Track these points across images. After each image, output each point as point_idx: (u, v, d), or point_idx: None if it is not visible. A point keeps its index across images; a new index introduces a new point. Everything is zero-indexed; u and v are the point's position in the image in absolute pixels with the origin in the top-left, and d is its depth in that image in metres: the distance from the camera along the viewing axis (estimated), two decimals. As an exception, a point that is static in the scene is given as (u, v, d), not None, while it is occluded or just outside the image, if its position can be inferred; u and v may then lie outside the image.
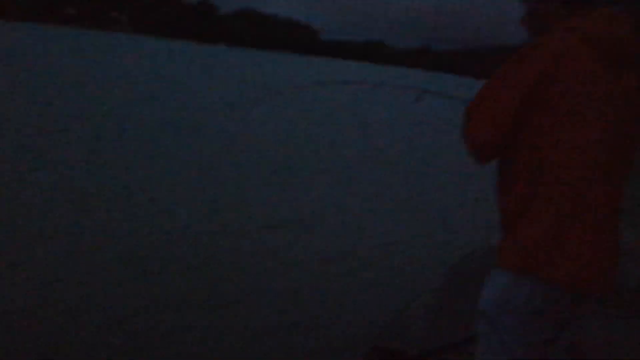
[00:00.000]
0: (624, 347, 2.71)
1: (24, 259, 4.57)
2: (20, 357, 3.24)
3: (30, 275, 4.28)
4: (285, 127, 14.49)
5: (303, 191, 8.04)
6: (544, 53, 1.66)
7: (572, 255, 1.64)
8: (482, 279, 1.75)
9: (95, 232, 5.33)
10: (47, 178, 7.10)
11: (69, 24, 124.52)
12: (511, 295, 1.70)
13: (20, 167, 7.43)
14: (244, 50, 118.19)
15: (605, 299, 1.67)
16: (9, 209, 5.72)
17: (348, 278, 5.01)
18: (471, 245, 5.16)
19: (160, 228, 5.66)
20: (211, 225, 5.96)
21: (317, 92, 22.43)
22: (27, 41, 41.88)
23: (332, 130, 15.21)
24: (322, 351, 3.68)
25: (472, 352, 1.86)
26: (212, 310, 4.07)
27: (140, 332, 3.64)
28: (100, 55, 36.85)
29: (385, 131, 16.94)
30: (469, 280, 3.41)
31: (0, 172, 7.06)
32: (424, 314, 3.13)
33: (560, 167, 1.65)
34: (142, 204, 6.46)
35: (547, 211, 1.66)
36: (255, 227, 6.07)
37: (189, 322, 3.84)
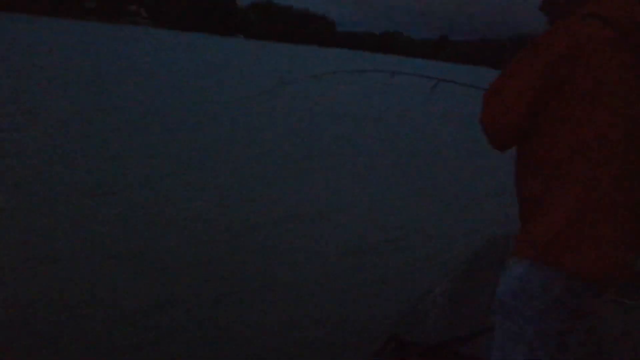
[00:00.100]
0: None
1: (31, 255, 4.60)
2: (25, 355, 3.24)
3: (35, 271, 4.31)
4: (301, 119, 14.49)
5: (319, 183, 8.04)
6: (563, 38, 1.64)
7: (591, 244, 1.62)
8: (499, 269, 1.74)
9: (106, 226, 5.36)
10: (62, 170, 7.18)
11: (88, 17, 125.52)
12: (528, 285, 1.68)
13: (37, 160, 7.53)
14: (261, 43, 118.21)
15: (624, 289, 1.65)
16: (26, 202, 5.80)
17: (364, 269, 5.01)
18: (489, 235, 5.11)
19: (174, 221, 5.69)
20: (226, 219, 5.97)
21: (332, 83, 22.41)
22: (46, 35, 42.33)
23: (347, 121, 15.18)
24: (339, 343, 3.68)
25: (489, 343, 1.85)
26: (227, 304, 4.08)
27: (152, 328, 3.65)
28: (119, 48, 37.13)
29: (400, 121, 16.85)
30: (486, 270, 3.38)
31: (17, 165, 7.16)
32: (440, 304, 3.11)
33: (580, 156, 1.63)
34: (158, 197, 6.50)
35: (566, 201, 1.64)
36: (270, 220, 6.08)
37: (204, 317, 3.85)
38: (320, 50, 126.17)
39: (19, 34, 39.17)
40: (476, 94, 2.39)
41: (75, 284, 4.11)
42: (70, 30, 58.17)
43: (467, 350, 2.57)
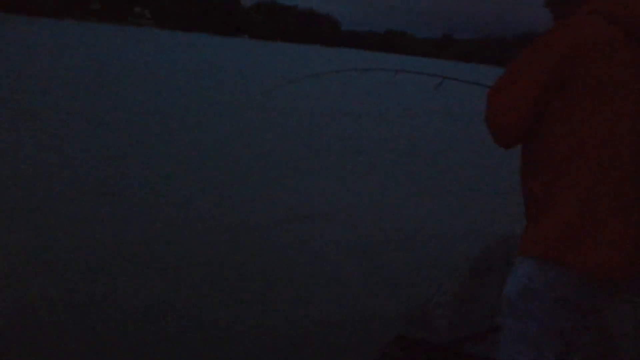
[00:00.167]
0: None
1: (39, 253, 4.62)
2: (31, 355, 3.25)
3: (42, 269, 4.33)
4: (304, 117, 14.49)
5: (322, 182, 8.03)
6: (569, 35, 1.63)
7: (597, 242, 1.61)
8: (505, 268, 1.73)
9: (106, 226, 5.37)
10: (63, 170, 7.20)
11: (92, 18, 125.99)
12: (535, 283, 1.68)
13: (44, 159, 7.55)
14: (265, 43, 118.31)
15: (634, 287, 1.63)
16: (26, 202, 5.81)
17: (368, 269, 4.99)
18: (495, 234, 5.09)
19: (176, 221, 5.69)
20: (228, 218, 5.97)
21: (336, 82, 22.41)
22: (50, 36, 42.49)
23: (351, 120, 15.16)
24: (345, 343, 3.67)
25: (496, 342, 1.84)
26: (229, 305, 4.08)
27: (152, 329, 3.65)
28: (123, 49, 37.23)
29: (404, 120, 16.82)
30: (492, 269, 3.37)
31: (25, 164, 7.18)
32: (446, 304, 3.10)
33: (586, 153, 1.62)
34: (160, 196, 6.51)
35: (572, 198, 1.63)
36: (273, 220, 6.08)
37: (205, 318, 3.85)
38: (324, 49, 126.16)
39: (22, 35, 39.33)
40: (480, 91, 2.38)
41: (75, 284, 4.11)
42: (74, 31, 58.36)
43: (474, 350, 2.56)
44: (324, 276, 4.75)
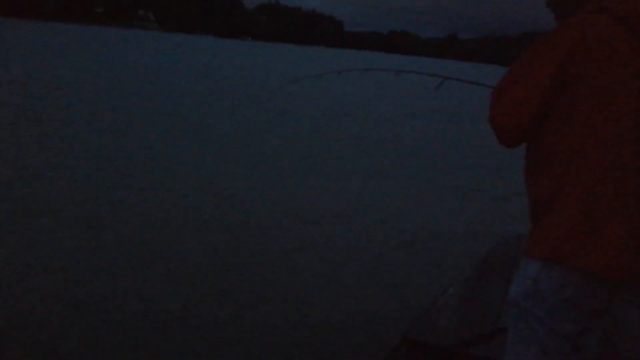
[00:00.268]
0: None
1: (40, 254, 4.64)
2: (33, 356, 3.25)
3: (39, 274, 4.32)
4: (307, 119, 14.50)
5: (325, 183, 8.02)
6: (573, 34, 1.62)
7: (605, 242, 1.59)
8: (511, 270, 1.72)
9: (115, 226, 5.38)
10: (71, 169, 7.23)
11: (97, 22, 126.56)
12: (541, 285, 1.66)
13: (46, 160, 7.58)
14: (268, 44, 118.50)
15: (638, 287, 1.62)
16: (31, 203, 5.83)
17: (374, 271, 4.98)
18: (500, 235, 5.08)
19: (182, 222, 5.70)
20: (231, 219, 5.97)
21: (337, 82, 22.44)
22: (55, 40, 42.68)
23: (354, 121, 15.16)
24: (351, 345, 3.66)
25: (502, 344, 1.83)
26: (236, 306, 4.08)
27: (162, 330, 3.66)
28: (128, 52, 37.37)
29: (407, 120, 16.80)
30: (498, 271, 3.36)
31: (28, 166, 7.21)
32: (452, 306, 3.08)
33: (592, 152, 1.60)
34: (165, 196, 6.52)
35: (578, 198, 1.61)
36: (280, 221, 6.09)
37: (213, 319, 3.85)
38: (328, 50, 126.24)
39: (26, 38, 39.52)
40: (482, 91, 2.37)
41: (78, 286, 4.12)
42: (78, 34, 58.62)
43: (479, 352, 2.55)
44: (327, 277, 4.75)
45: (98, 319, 3.69)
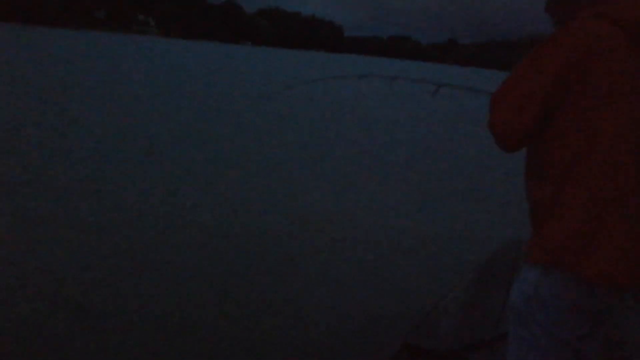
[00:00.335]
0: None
1: (46, 260, 4.64)
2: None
3: (49, 272, 4.35)
4: (308, 123, 14.51)
5: (326, 188, 8.01)
6: (574, 39, 1.61)
7: (607, 248, 1.58)
8: (511, 275, 1.72)
9: (119, 233, 5.38)
10: (71, 175, 7.23)
11: (97, 27, 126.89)
12: (541, 291, 1.65)
13: (48, 166, 7.58)
14: (269, 49, 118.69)
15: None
16: (33, 206, 5.83)
17: (374, 276, 4.97)
18: (500, 240, 5.07)
19: (186, 227, 5.70)
20: (237, 224, 5.97)
21: (336, 87, 22.48)
22: (56, 45, 42.77)
23: (354, 125, 15.16)
24: (351, 350, 3.65)
25: (503, 350, 1.82)
26: (248, 310, 4.08)
27: (171, 334, 3.65)
28: (129, 57, 37.43)
29: (405, 124, 16.79)
30: (498, 276, 3.35)
31: (32, 171, 7.21)
32: (453, 312, 3.07)
33: (593, 158, 1.60)
34: (172, 201, 6.51)
35: (578, 204, 1.60)
36: (279, 225, 6.08)
37: (222, 323, 3.85)
38: (327, 55, 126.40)
39: (27, 44, 39.60)
40: (480, 96, 2.36)
41: (84, 289, 4.12)
42: (79, 40, 58.72)
43: (481, 357, 2.54)
44: (327, 281, 4.74)
45: (99, 324, 3.68)
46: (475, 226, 6.73)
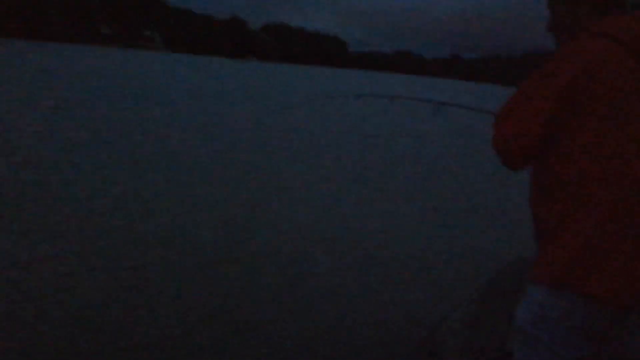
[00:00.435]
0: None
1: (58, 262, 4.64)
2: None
3: (52, 288, 4.36)
4: (312, 140, 14.53)
5: (333, 204, 8.00)
6: (578, 58, 1.61)
7: (614, 269, 1.56)
8: (516, 293, 1.70)
9: (124, 248, 5.38)
10: (86, 190, 7.24)
11: (103, 43, 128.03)
12: (547, 311, 1.63)
13: (62, 176, 7.61)
14: (273, 65, 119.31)
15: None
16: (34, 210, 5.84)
17: (383, 293, 4.94)
18: (505, 258, 5.04)
19: (191, 247, 5.69)
20: (248, 240, 5.97)
21: (337, 104, 22.56)
22: (63, 61, 43.10)
23: (359, 142, 15.17)
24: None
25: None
26: (250, 326, 4.06)
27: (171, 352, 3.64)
28: (136, 73, 37.68)
29: (407, 141, 16.78)
30: (503, 294, 3.32)
31: (43, 182, 7.23)
32: (458, 330, 3.05)
33: (598, 176, 1.59)
34: (172, 218, 6.51)
35: (585, 223, 1.59)
36: (284, 241, 6.06)
37: (225, 341, 3.83)
38: (331, 71, 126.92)
39: (34, 59, 39.91)
40: (480, 114, 2.36)
41: (81, 307, 4.12)
42: (85, 55, 59.18)
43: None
44: (333, 298, 4.71)
45: (99, 341, 3.67)
46: (480, 244, 6.70)
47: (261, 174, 9.65)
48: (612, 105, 1.58)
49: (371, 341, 4.00)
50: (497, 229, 7.50)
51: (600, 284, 1.56)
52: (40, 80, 23.76)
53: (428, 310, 4.50)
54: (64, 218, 6.11)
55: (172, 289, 4.59)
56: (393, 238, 6.66)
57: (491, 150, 1.76)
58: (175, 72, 44.70)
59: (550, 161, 1.67)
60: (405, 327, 4.25)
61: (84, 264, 4.90)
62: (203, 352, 3.67)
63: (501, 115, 1.73)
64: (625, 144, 1.58)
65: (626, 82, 1.60)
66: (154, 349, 3.65)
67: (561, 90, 1.60)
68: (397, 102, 2.92)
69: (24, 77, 24.97)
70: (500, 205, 8.89)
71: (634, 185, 1.58)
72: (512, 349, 1.79)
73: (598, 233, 1.58)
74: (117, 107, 17.24)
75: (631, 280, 1.57)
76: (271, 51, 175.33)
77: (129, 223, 6.21)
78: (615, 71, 1.60)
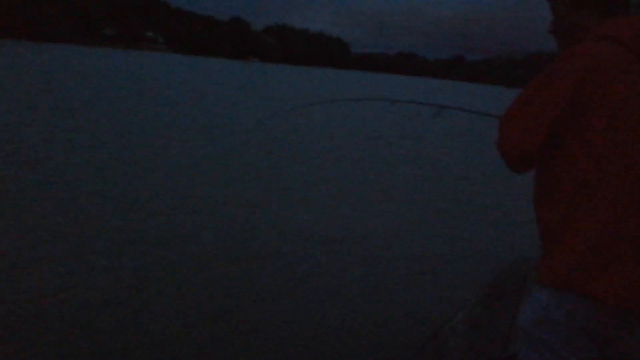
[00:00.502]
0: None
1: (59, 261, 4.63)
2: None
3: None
4: (314, 142, 14.53)
5: (337, 207, 7.99)
6: (581, 62, 1.59)
7: (617, 271, 1.55)
8: (519, 295, 1.68)
9: (128, 249, 5.37)
10: (86, 190, 7.24)
11: (107, 44, 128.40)
12: (552, 314, 1.61)
13: (64, 177, 7.61)
14: (275, 66, 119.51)
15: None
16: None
17: (384, 295, 4.92)
18: (508, 260, 5.02)
19: (196, 248, 5.68)
20: (248, 242, 5.95)
21: (339, 106, 22.59)
22: (66, 62, 43.22)
23: (362, 144, 15.17)
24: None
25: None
26: (252, 327, 4.05)
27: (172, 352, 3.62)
28: (138, 74, 37.76)
29: (409, 143, 16.77)
30: (506, 296, 3.30)
31: (43, 182, 7.23)
32: (461, 333, 3.02)
33: (602, 179, 1.57)
34: (174, 218, 6.50)
35: (589, 225, 1.57)
36: (290, 244, 6.05)
37: (228, 341, 3.82)
38: (334, 72, 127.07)
39: (37, 60, 40.05)
40: (481, 117, 2.34)
41: (84, 309, 4.11)
42: (88, 56, 59.35)
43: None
44: (334, 301, 4.69)
45: (99, 341, 3.66)
46: (481, 245, 6.68)
47: (262, 174, 9.64)
48: (616, 108, 1.56)
49: (373, 343, 3.99)
50: (498, 230, 7.48)
51: (604, 286, 1.55)
52: (42, 81, 23.82)
53: (430, 312, 4.48)
54: (64, 218, 6.11)
55: (172, 289, 4.58)
56: (394, 239, 6.64)
57: (493, 152, 1.74)
58: (178, 73, 44.76)
59: (554, 165, 1.66)
60: (407, 328, 4.24)
61: (84, 264, 4.90)
62: (203, 352, 3.66)
63: (506, 117, 1.72)
64: (629, 147, 1.57)
65: (630, 85, 1.58)
66: (154, 349, 3.64)
67: (565, 94, 1.59)
68: (399, 105, 2.91)
69: (27, 78, 25.04)
70: (501, 206, 8.87)
71: (637, 187, 1.56)
72: (515, 351, 1.77)
73: (602, 235, 1.56)
74: (119, 108, 17.26)
75: (635, 282, 1.55)
76: (273, 52, 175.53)
77: (129, 223, 6.20)
78: (619, 74, 1.58)
